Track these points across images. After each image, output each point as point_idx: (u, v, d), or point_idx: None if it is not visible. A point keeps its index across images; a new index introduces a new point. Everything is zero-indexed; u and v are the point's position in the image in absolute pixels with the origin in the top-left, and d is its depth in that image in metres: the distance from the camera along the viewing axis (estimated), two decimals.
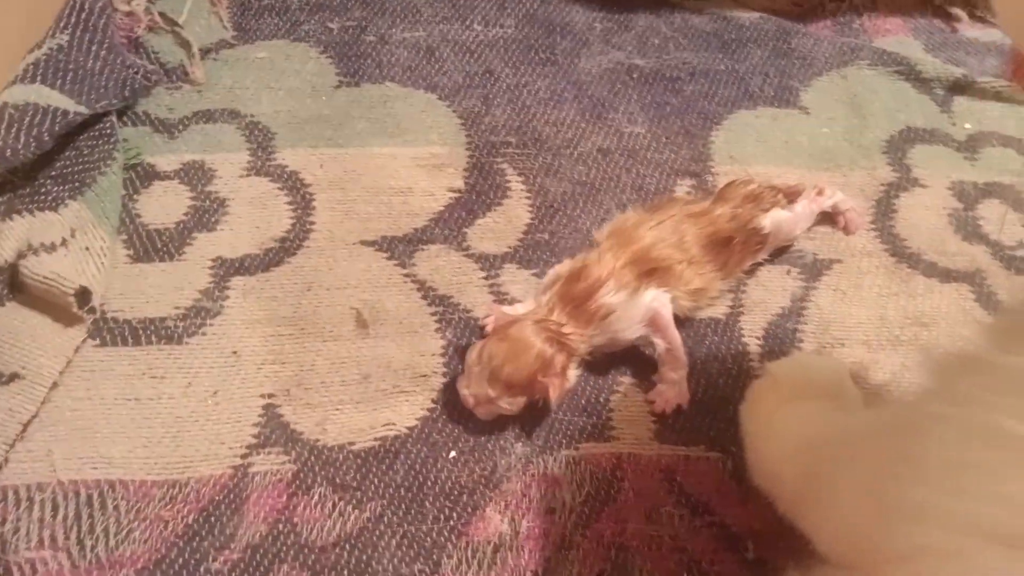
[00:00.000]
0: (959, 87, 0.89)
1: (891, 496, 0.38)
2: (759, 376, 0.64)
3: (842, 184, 0.80)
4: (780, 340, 0.69)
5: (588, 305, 0.61)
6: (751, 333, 0.70)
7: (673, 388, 0.65)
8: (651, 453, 0.63)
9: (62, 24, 0.78)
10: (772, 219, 0.69)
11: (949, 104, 0.88)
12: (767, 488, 0.58)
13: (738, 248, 0.67)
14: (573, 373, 0.62)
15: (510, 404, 0.60)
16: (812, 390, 0.58)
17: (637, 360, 0.67)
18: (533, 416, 0.63)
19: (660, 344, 0.64)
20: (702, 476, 0.62)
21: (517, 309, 0.66)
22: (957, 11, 0.98)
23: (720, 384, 0.67)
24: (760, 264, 0.73)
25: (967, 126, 0.86)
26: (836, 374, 0.60)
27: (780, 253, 0.74)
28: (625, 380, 0.66)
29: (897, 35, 0.97)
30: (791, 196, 0.74)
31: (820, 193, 0.74)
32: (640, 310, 0.63)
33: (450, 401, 0.63)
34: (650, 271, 0.63)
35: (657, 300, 0.63)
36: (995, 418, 0.33)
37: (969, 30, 0.98)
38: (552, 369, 0.59)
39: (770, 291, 0.72)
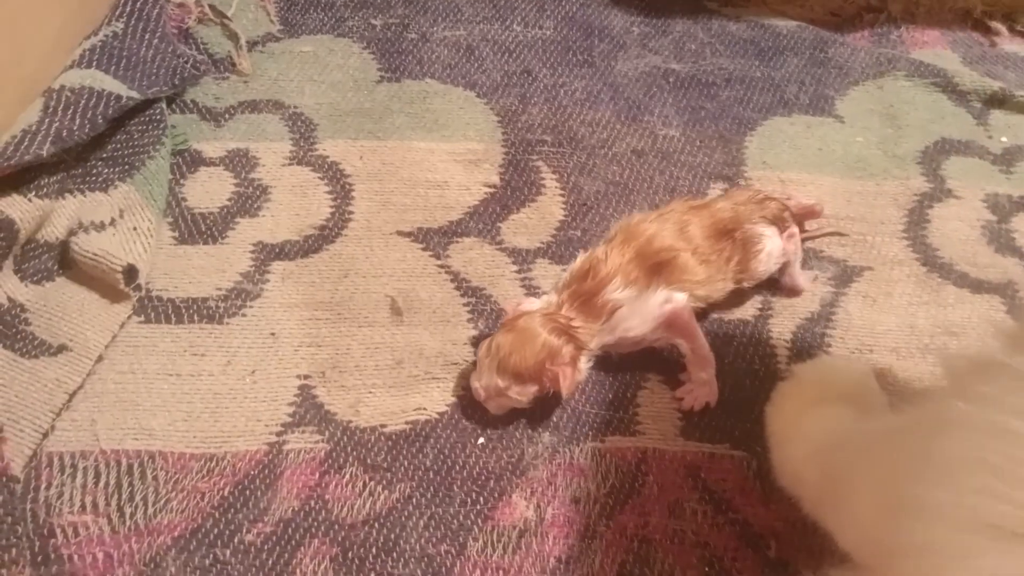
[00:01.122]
0: (996, 100, 0.89)
1: (905, 494, 0.38)
2: (785, 378, 0.64)
3: (875, 193, 0.80)
4: (808, 344, 0.70)
5: (596, 300, 0.63)
6: (779, 336, 0.70)
7: (703, 387, 0.65)
8: (676, 449, 0.64)
9: (117, 12, 0.80)
10: (772, 239, 0.69)
11: (986, 117, 0.88)
12: (791, 488, 0.58)
13: (739, 245, 0.67)
14: (584, 364, 0.63)
15: (519, 394, 0.61)
16: (836, 393, 0.59)
17: (664, 357, 0.68)
18: (558, 408, 0.65)
19: (684, 346, 0.65)
20: (726, 474, 0.63)
21: (534, 303, 0.66)
22: (997, 25, 0.98)
23: (746, 385, 0.67)
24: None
25: (1003, 139, 0.86)
26: (861, 378, 0.61)
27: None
28: (652, 377, 0.67)
29: (935, 47, 0.97)
30: (804, 216, 0.75)
31: (791, 236, 0.71)
32: (651, 310, 0.64)
33: None
34: (656, 265, 0.64)
35: (672, 302, 0.64)
36: (1009, 419, 0.33)
37: (1008, 44, 0.98)
38: (560, 358, 0.61)
39: (800, 296, 0.73)
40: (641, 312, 0.63)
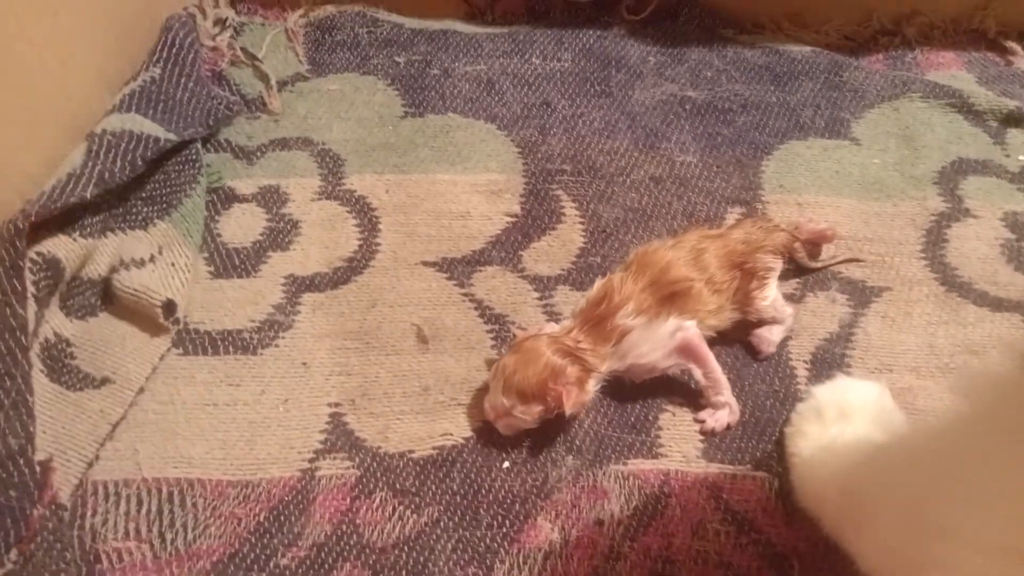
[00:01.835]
0: (1013, 119, 0.90)
1: (929, 519, 0.39)
2: (804, 399, 0.65)
3: (892, 214, 0.81)
4: (828, 364, 0.71)
5: (606, 325, 0.64)
6: (798, 357, 0.71)
7: (723, 409, 0.67)
8: (698, 471, 0.65)
9: (155, 58, 0.84)
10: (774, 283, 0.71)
11: (1003, 136, 0.89)
12: (812, 509, 0.59)
13: (747, 276, 0.69)
14: (592, 386, 0.64)
15: (524, 413, 0.63)
16: (854, 413, 0.59)
17: (684, 381, 0.69)
18: (581, 432, 0.66)
19: (698, 372, 0.67)
20: (748, 495, 0.64)
21: (553, 328, 0.68)
22: (1012, 44, 0.98)
23: (767, 406, 0.68)
24: (804, 293, 0.75)
25: (1021, 158, 0.87)
26: (878, 397, 0.62)
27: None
28: (673, 400, 0.69)
29: (950, 69, 0.97)
30: (817, 241, 0.75)
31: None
32: (662, 339, 0.65)
33: None
34: (670, 295, 0.66)
35: (683, 331, 0.66)
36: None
37: None
38: (564, 378, 0.62)
39: (818, 316, 0.74)
40: (652, 340, 0.65)
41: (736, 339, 0.72)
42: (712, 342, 0.69)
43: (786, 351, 0.72)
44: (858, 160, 0.86)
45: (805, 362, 0.71)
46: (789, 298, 0.74)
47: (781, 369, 0.71)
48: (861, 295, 0.75)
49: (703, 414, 0.67)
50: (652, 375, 0.67)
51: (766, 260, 0.70)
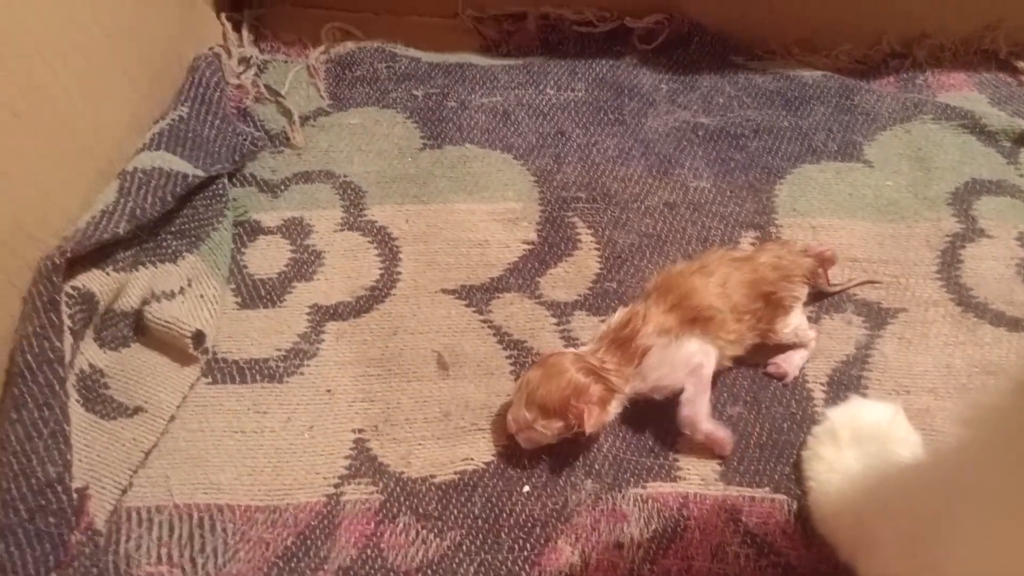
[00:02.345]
0: None
1: (927, 545, 0.40)
2: (819, 422, 0.66)
3: (907, 235, 0.82)
4: (844, 386, 0.71)
5: (630, 345, 0.65)
6: (815, 379, 0.72)
7: (693, 419, 0.66)
8: (717, 493, 0.66)
9: (183, 98, 0.88)
10: (799, 311, 0.72)
11: (1016, 156, 0.89)
12: (827, 535, 0.60)
13: (773, 306, 0.69)
14: (614, 408, 0.65)
15: (544, 427, 0.64)
16: (868, 435, 0.60)
17: None
18: (602, 454, 0.67)
19: (689, 390, 0.66)
20: (767, 517, 0.64)
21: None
22: (1022, 64, 0.99)
23: (784, 428, 0.69)
24: (819, 316, 0.75)
25: None
26: (892, 418, 0.62)
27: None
28: None
29: (962, 90, 0.98)
30: (820, 262, 0.75)
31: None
32: (683, 358, 0.66)
33: None
34: (692, 319, 0.66)
35: (702, 353, 0.66)
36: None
37: None
38: (586, 396, 0.63)
39: (834, 339, 0.75)
40: (673, 360, 0.66)
41: (753, 361, 0.72)
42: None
43: (803, 373, 0.72)
44: (871, 182, 0.87)
45: (822, 384, 0.72)
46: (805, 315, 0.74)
47: (798, 391, 0.71)
48: (877, 317, 0.76)
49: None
50: (669, 396, 0.68)
51: (793, 289, 0.70)
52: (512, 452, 0.67)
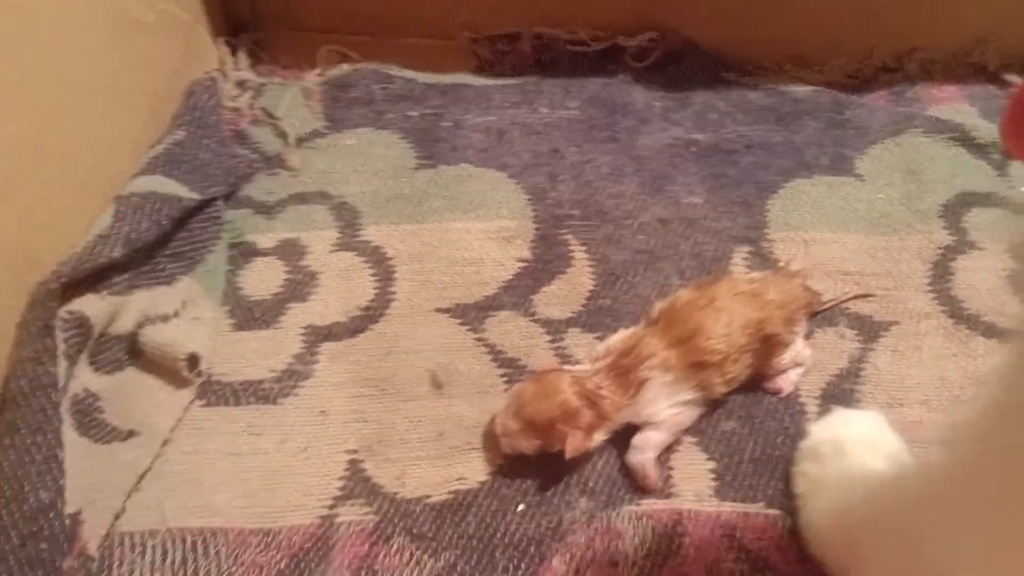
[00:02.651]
0: None
1: (911, 563, 0.39)
2: (804, 438, 0.66)
3: (899, 248, 0.82)
4: (838, 400, 0.71)
5: (629, 376, 0.65)
6: (808, 393, 0.72)
7: (648, 465, 0.66)
8: (711, 510, 0.66)
9: (180, 122, 0.89)
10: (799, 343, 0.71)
11: (1006, 168, 0.90)
12: (816, 552, 0.60)
13: (772, 346, 0.69)
14: (599, 437, 0.65)
15: (527, 439, 0.64)
16: (850, 447, 0.60)
17: (695, 420, 0.70)
18: (596, 472, 0.67)
19: (651, 437, 0.66)
20: (762, 533, 0.64)
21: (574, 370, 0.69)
22: (1013, 77, 1.00)
23: (778, 443, 0.69)
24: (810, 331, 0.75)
25: None
26: (873, 426, 0.62)
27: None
28: (684, 439, 0.69)
29: (953, 103, 0.99)
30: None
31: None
32: (673, 400, 0.66)
33: (518, 458, 0.67)
34: (698, 364, 0.66)
35: (688, 410, 0.67)
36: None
37: None
38: (574, 421, 0.63)
39: (827, 352, 0.75)
40: (668, 400, 0.66)
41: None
42: None
43: (796, 388, 0.72)
44: (863, 196, 0.88)
45: (815, 398, 0.72)
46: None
47: (791, 406, 0.71)
48: (870, 330, 0.76)
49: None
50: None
51: (795, 326, 0.70)
52: (506, 471, 0.67)
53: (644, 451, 0.66)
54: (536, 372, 0.69)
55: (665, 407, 0.66)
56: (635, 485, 0.66)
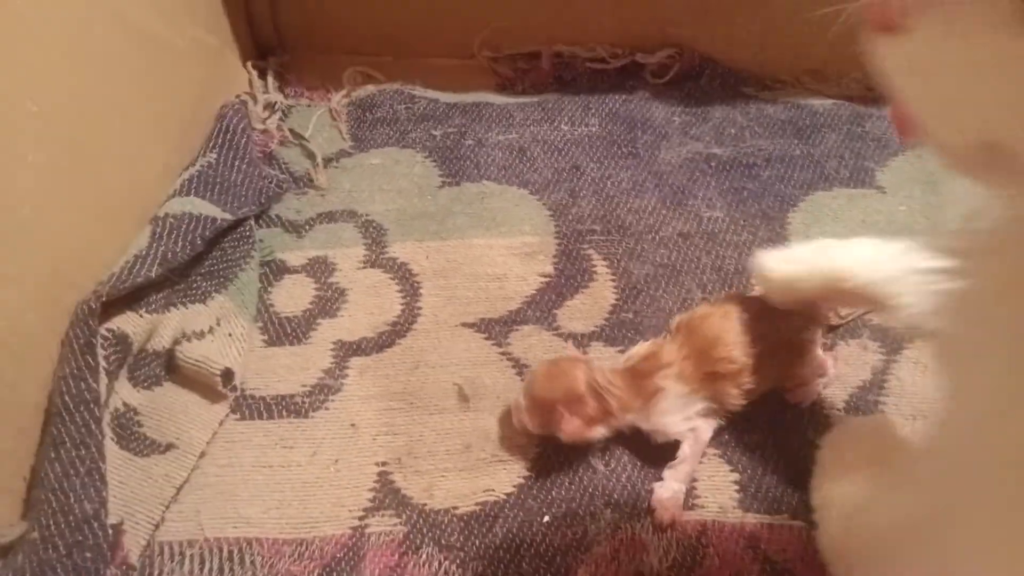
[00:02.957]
0: None
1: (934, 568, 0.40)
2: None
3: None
4: (861, 412, 0.72)
5: (644, 381, 0.66)
6: (831, 405, 0.73)
7: (675, 500, 0.66)
8: (735, 521, 0.66)
9: (211, 144, 0.91)
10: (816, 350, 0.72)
11: None
12: (832, 567, 0.60)
13: (792, 355, 0.69)
14: (600, 430, 0.67)
15: (531, 420, 0.67)
16: (861, 455, 0.60)
17: (718, 431, 0.71)
18: (620, 484, 0.68)
19: (684, 450, 0.67)
20: (786, 544, 0.65)
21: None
22: None
23: (801, 456, 0.69)
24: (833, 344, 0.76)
25: None
26: (883, 432, 0.62)
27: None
28: (708, 451, 0.70)
29: None
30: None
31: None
32: (687, 412, 0.67)
33: (544, 470, 0.69)
34: (712, 375, 0.67)
35: (706, 425, 0.68)
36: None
37: None
38: (576, 407, 0.65)
39: (850, 365, 0.75)
40: (680, 412, 0.67)
41: None
42: None
43: (820, 399, 0.73)
44: (884, 208, 0.88)
45: (839, 410, 0.72)
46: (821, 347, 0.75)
47: (814, 418, 0.72)
48: (892, 342, 0.77)
49: (654, 500, 0.67)
50: (668, 440, 0.68)
51: (811, 334, 0.71)
52: (532, 483, 0.69)
53: (674, 484, 0.66)
54: (558, 357, 0.71)
55: (680, 419, 0.67)
56: (654, 512, 0.66)
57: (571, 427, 0.65)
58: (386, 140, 0.99)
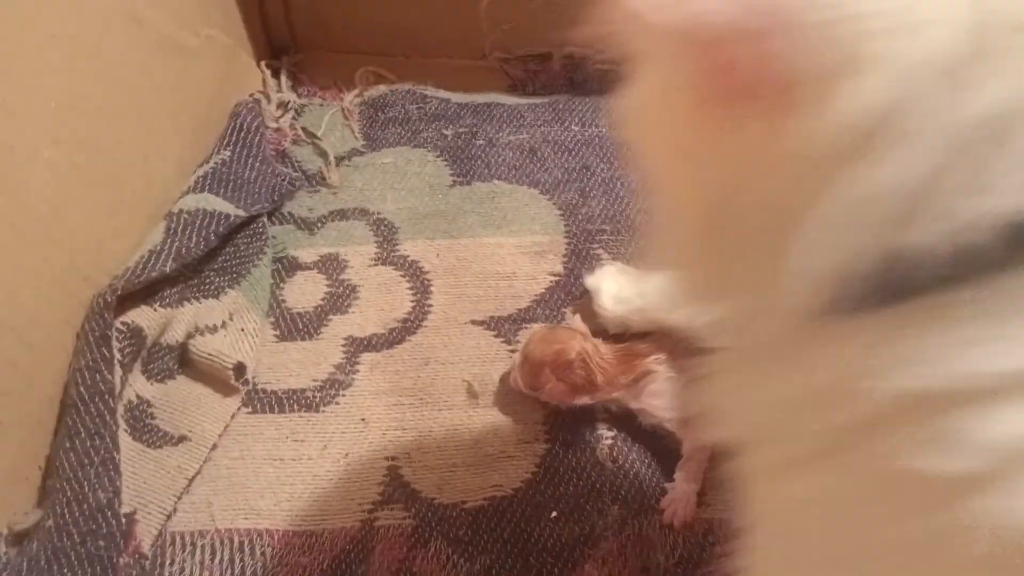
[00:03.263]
0: None
1: None
2: None
3: None
4: None
5: (635, 360, 0.68)
6: None
7: (683, 500, 0.66)
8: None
9: (225, 142, 0.92)
10: None
11: None
12: None
13: None
14: (583, 398, 0.68)
15: (521, 378, 0.69)
16: None
17: None
18: (628, 480, 0.69)
19: (686, 448, 0.67)
20: None
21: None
22: None
23: None
24: None
25: None
26: None
27: None
28: (714, 448, 0.71)
29: None
30: None
31: None
32: (677, 399, 0.67)
33: (551, 466, 0.69)
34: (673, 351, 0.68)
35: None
36: None
37: None
38: (564, 372, 0.66)
39: None
40: (670, 396, 0.67)
41: None
42: None
43: None
44: None
45: None
46: None
47: None
48: None
49: (664, 502, 0.67)
50: (657, 426, 0.68)
51: None
52: (540, 479, 0.69)
53: (685, 485, 0.67)
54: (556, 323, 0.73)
55: (668, 404, 0.67)
56: (664, 511, 0.67)
57: (552, 389, 0.67)
58: (398, 139, 1.00)
